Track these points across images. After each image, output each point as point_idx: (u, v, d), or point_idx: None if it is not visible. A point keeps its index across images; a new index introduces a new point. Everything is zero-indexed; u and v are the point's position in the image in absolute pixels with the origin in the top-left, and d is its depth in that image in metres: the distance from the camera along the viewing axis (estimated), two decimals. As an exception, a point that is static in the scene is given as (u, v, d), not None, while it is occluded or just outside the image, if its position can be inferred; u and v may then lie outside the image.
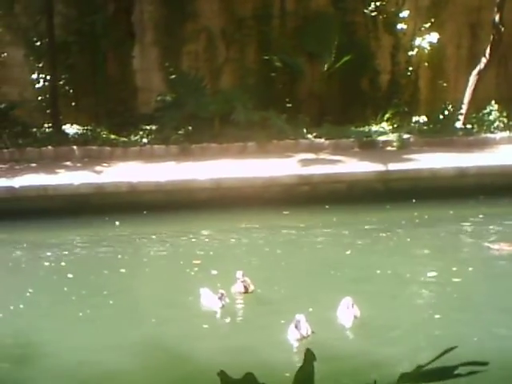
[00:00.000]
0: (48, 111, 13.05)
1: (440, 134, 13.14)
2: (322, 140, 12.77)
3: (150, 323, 6.63)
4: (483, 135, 13.40)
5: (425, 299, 7.48)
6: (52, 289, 7.63)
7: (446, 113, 13.64)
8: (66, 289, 7.55)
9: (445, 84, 14.79)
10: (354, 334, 6.38)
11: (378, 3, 14.31)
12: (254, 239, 9.49)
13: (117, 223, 9.79)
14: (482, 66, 13.86)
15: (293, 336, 6.07)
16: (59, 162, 11.56)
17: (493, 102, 14.05)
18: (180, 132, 12.60)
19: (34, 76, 13.29)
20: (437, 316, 6.77)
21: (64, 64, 13.16)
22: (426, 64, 14.62)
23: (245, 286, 7.21)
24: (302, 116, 13.40)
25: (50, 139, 12.27)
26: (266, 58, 13.96)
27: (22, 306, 7.11)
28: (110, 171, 11.10)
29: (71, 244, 9.27)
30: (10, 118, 12.42)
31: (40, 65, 13.27)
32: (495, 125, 13.70)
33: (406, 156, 12.04)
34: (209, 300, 6.91)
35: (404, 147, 12.70)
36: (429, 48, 14.30)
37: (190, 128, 12.75)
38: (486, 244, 9.07)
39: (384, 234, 9.59)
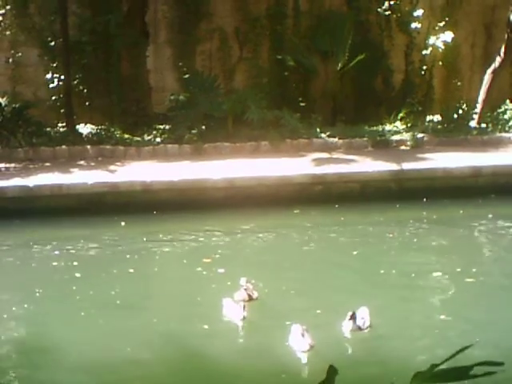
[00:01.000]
0: (62, 111, 13.11)
1: (454, 134, 13.08)
2: (336, 139, 12.74)
3: (159, 321, 6.63)
4: (498, 134, 13.32)
5: (437, 300, 7.43)
6: (64, 287, 7.65)
7: (461, 112, 13.56)
8: (76, 288, 7.58)
9: (459, 83, 14.72)
10: (365, 336, 6.31)
11: (391, 2, 14.26)
12: (266, 239, 9.50)
13: (122, 223, 9.80)
14: (496, 64, 13.79)
15: (299, 346, 5.90)
16: (73, 162, 11.61)
17: (507, 101, 13.97)
18: (193, 131, 12.62)
19: (48, 76, 13.35)
20: (449, 317, 6.74)
21: (78, 64, 13.21)
22: (440, 63, 14.55)
23: (248, 294, 7.04)
24: (316, 115, 13.38)
25: (64, 139, 12.32)
26: (280, 57, 13.96)
27: (34, 304, 7.16)
28: (124, 170, 11.13)
29: (85, 243, 9.30)
30: (25, 118, 12.48)
31: (54, 64, 13.33)
32: (510, 124, 13.62)
33: (419, 155, 11.99)
34: (231, 310, 6.72)
35: (418, 146, 12.65)
36: (443, 47, 14.23)
37: (203, 127, 12.76)
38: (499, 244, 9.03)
39: (397, 234, 9.56)
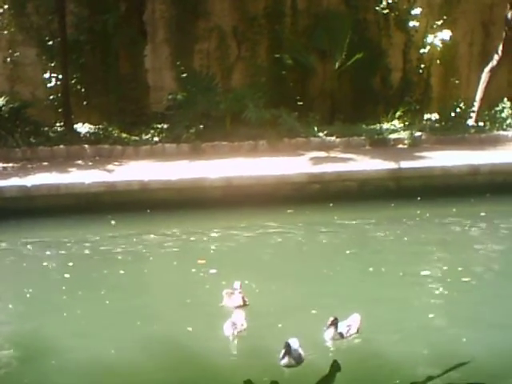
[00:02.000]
0: (60, 110, 13.10)
1: (452, 132, 13.09)
2: (333, 138, 12.75)
3: (152, 321, 6.64)
4: (495, 133, 13.34)
5: (432, 299, 7.40)
6: (61, 287, 7.67)
7: (458, 110, 13.57)
8: (75, 287, 7.59)
9: (457, 81, 14.73)
10: (348, 343, 6.18)
11: (389, 0, 14.26)
12: (263, 238, 9.47)
13: (112, 222, 9.79)
14: (494, 63, 13.80)
15: (284, 361, 5.63)
16: (71, 161, 11.61)
17: (505, 99, 13.98)
18: (191, 131, 12.62)
19: (46, 75, 13.35)
20: (445, 316, 6.75)
21: (76, 63, 13.21)
22: (438, 61, 14.57)
23: (243, 299, 6.85)
24: (313, 114, 13.38)
25: (61, 138, 12.33)
26: (278, 56, 13.96)
27: (32, 304, 7.17)
28: (122, 170, 11.14)
29: (83, 242, 9.31)
30: (22, 117, 12.48)
31: (52, 64, 13.32)
32: (507, 122, 13.64)
33: (417, 154, 12.01)
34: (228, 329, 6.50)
35: (415, 145, 12.66)
36: (441, 45, 14.23)
37: (201, 127, 12.76)
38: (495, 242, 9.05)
39: (389, 233, 9.56)
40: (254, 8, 14.06)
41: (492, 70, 13.78)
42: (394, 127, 13.31)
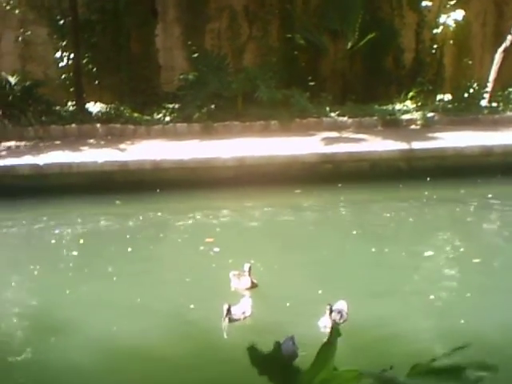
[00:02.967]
0: (71, 89, 13.10)
1: (465, 113, 13.02)
2: (345, 118, 12.71)
3: (158, 298, 6.64)
4: (509, 113, 13.25)
5: (434, 280, 7.35)
6: (72, 264, 7.72)
7: (471, 91, 13.49)
8: (85, 264, 7.65)
9: (470, 62, 14.62)
10: (367, 318, 6.20)
11: (402, -20, 14.14)
12: (274, 218, 9.48)
13: (117, 202, 9.80)
14: (507, 43, 13.68)
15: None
16: (83, 140, 11.63)
17: (519, 79, 13.88)
18: (203, 110, 12.60)
19: (58, 54, 13.34)
20: (457, 297, 6.73)
21: (87, 42, 13.19)
22: (451, 42, 14.45)
23: (252, 281, 6.78)
24: (325, 94, 13.33)
25: (73, 117, 12.34)
26: (289, 36, 13.88)
27: (44, 281, 7.22)
28: (134, 149, 11.15)
29: (94, 221, 9.35)
30: (34, 96, 12.49)
31: (63, 43, 13.31)
32: (521, 103, 13.54)
33: (430, 134, 11.95)
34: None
35: (428, 126, 12.61)
36: (454, 25, 14.10)
37: (212, 106, 12.74)
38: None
39: (394, 214, 9.53)
40: (266, -13, 13.97)
41: (505, 51, 13.66)
42: (407, 108, 13.24)
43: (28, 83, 12.59)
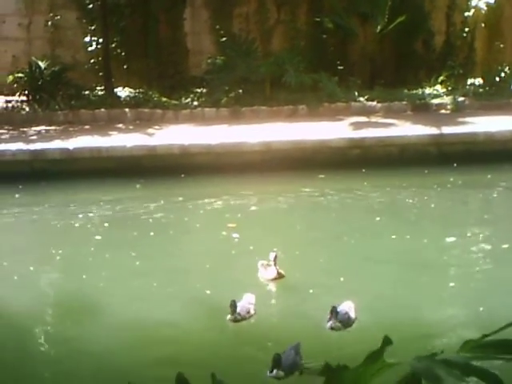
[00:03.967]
0: (100, 74, 13.17)
1: (496, 97, 12.82)
2: (374, 103, 12.59)
3: (179, 282, 6.68)
4: (541, 98, 13.02)
5: (455, 267, 7.29)
6: (91, 248, 7.76)
7: (503, 75, 13.28)
8: (120, 248, 7.69)
9: (502, 45, 14.37)
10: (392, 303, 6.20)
11: (433, -38, 13.92)
12: (301, 204, 9.44)
13: (137, 186, 9.84)
14: (541, 26, 13.43)
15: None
16: (112, 125, 11.69)
17: (551, 63, 13.63)
18: (231, 95, 12.58)
19: (87, 39, 13.41)
20: (485, 284, 6.67)
21: (116, 27, 13.23)
22: (483, 25, 14.21)
23: (278, 272, 6.54)
24: (354, 78, 13.21)
25: (102, 102, 12.41)
26: (318, 19, 13.76)
27: (75, 263, 7.30)
28: (162, 134, 11.18)
29: (123, 204, 9.41)
30: (64, 81, 12.58)
31: (92, 27, 13.37)
32: (553, 87, 13.30)
33: (460, 119, 11.81)
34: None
35: (458, 110, 12.44)
36: (485, 8, 13.87)
37: (240, 91, 12.71)
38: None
39: (417, 200, 9.45)
40: (294, -30, 13.85)
41: (539, 34, 13.42)
42: (437, 92, 13.08)
43: (57, 68, 12.68)
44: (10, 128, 11.53)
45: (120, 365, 5.27)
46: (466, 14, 14.06)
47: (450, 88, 13.16)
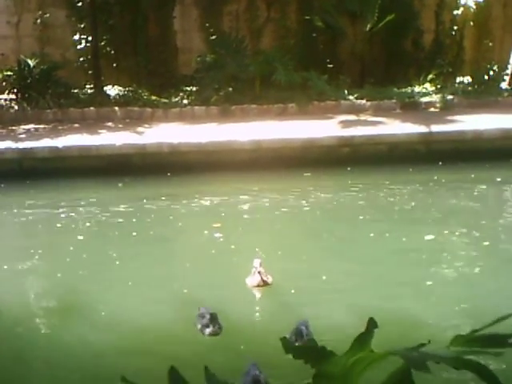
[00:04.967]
0: (90, 72, 13.14)
1: (484, 95, 12.88)
2: (364, 101, 12.63)
3: (161, 281, 6.65)
4: (529, 96, 13.10)
5: (433, 264, 7.28)
6: (90, 247, 7.74)
7: (491, 73, 13.36)
8: (104, 247, 7.65)
9: (490, 44, 14.45)
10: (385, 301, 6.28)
11: (422, -40, 13.97)
12: (289, 202, 9.39)
13: (120, 185, 9.81)
14: (529, 25, 13.50)
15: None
16: (101, 123, 11.67)
17: (540, 62, 13.70)
18: (220, 93, 12.58)
19: (76, 37, 13.37)
20: (469, 281, 6.70)
21: (105, 25, 13.20)
22: (472, 23, 14.28)
23: (263, 279, 6.24)
24: (344, 77, 13.25)
25: (91, 100, 12.39)
26: (307, 17, 13.79)
27: (63, 264, 7.27)
28: (151, 132, 11.17)
29: (112, 203, 9.38)
30: (53, 79, 12.53)
31: (82, 26, 13.33)
32: (542, 86, 13.38)
33: (449, 117, 11.85)
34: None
35: (447, 108, 12.50)
36: (474, 7, 13.93)
37: (230, 89, 12.72)
38: None
39: (403, 198, 9.46)
40: (284, -32, 13.86)
41: (527, 32, 13.49)
42: (426, 90, 13.14)
43: (46, 66, 12.64)
44: (-1, 126, 11.51)
45: (102, 365, 5.24)
46: (455, 12, 14.12)
47: (438, 86, 13.22)
